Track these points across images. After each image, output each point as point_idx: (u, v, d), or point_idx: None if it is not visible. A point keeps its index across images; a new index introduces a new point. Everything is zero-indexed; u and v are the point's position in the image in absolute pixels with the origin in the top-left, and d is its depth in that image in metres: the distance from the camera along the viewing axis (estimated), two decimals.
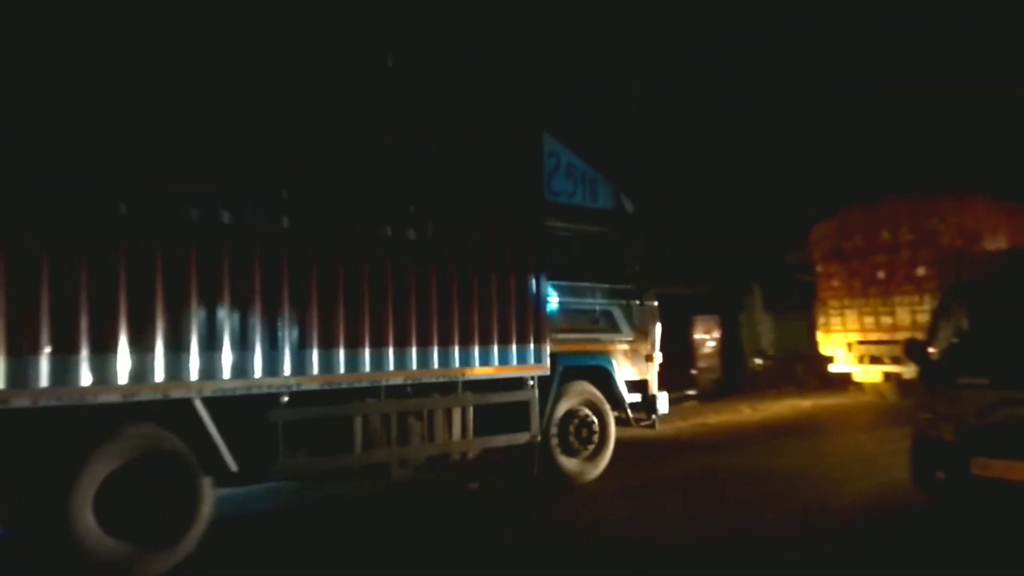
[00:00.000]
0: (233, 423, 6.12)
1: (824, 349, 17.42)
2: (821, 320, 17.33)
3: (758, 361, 22.17)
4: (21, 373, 5.15)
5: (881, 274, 16.11)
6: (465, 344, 7.64)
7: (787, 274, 20.49)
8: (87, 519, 5.50)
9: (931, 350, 7.20)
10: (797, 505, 8.00)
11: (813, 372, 19.21)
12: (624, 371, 9.42)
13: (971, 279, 7.46)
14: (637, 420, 9.62)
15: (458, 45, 15.46)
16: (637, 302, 9.65)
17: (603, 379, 9.19)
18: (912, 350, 7.29)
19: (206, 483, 6.10)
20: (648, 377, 9.74)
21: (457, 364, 7.59)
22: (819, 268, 17.80)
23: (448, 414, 7.63)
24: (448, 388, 7.61)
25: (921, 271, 15.15)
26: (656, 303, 10.02)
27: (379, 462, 7.24)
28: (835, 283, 17.20)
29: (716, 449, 11.71)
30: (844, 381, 17.53)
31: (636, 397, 9.52)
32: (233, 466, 6.10)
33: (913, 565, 6.08)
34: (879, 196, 16.50)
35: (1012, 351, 6.75)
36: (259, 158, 6.36)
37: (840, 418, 15.05)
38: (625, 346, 9.50)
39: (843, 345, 16.70)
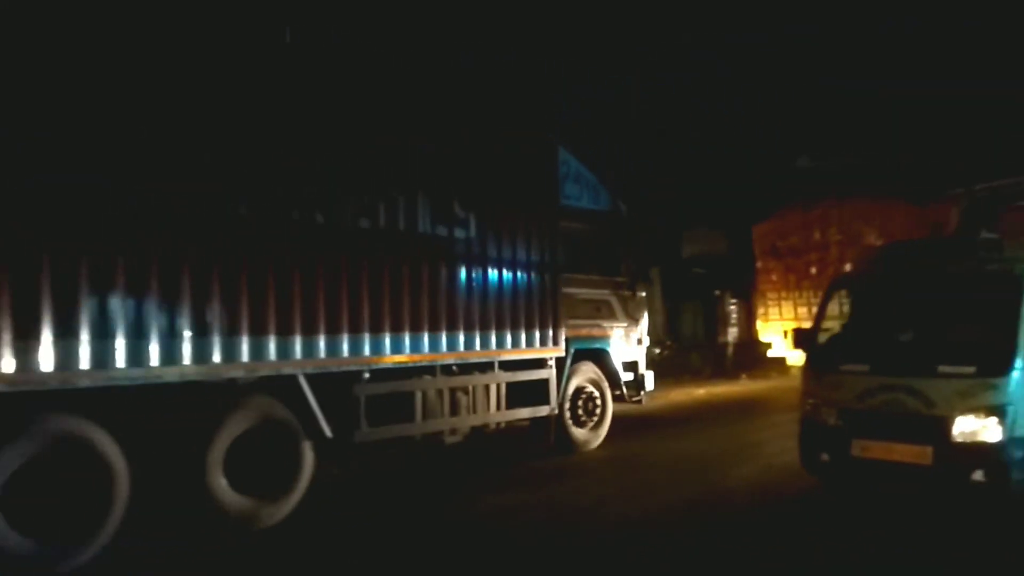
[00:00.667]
0: (327, 396, 7.16)
1: (763, 336, 19.44)
2: (760, 310, 19.38)
3: (656, 350, 22.72)
4: (169, 352, 6.09)
5: (814, 270, 18.03)
6: (500, 329, 8.85)
7: (684, 266, 21.50)
8: (220, 477, 6.50)
9: (818, 338, 7.51)
10: (689, 487, 8.42)
11: (708, 361, 20.35)
12: (619, 353, 10.65)
13: (851, 272, 7.78)
14: (629, 396, 10.78)
15: (463, 47, 15.88)
16: (630, 293, 10.90)
17: (603, 360, 10.44)
18: (798, 338, 7.59)
19: (307, 446, 7.14)
20: (638, 358, 10.97)
21: (494, 346, 8.79)
22: (759, 264, 19.79)
23: (487, 389, 8.83)
24: (486, 367, 8.82)
25: (848, 268, 16.19)
26: (644, 294, 11.34)
27: (435, 431, 8.43)
28: (773, 277, 19.25)
29: (614, 437, 11.97)
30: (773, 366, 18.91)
31: (629, 376, 10.78)
32: (328, 432, 7.15)
33: (790, 542, 6.41)
34: (814, 201, 18.02)
35: (890, 339, 7.09)
36: (353, 170, 7.48)
37: (738, 404, 15.52)
38: (621, 331, 10.70)
39: (780, 333, 17.98)
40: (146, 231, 6.00)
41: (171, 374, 6.09)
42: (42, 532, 5.56)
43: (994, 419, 6.16)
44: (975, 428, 6.22)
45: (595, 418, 10.25)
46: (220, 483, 6.49)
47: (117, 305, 5.81)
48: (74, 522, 5.74)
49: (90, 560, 5.84)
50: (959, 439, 6.26)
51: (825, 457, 6.99)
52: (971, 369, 6.35)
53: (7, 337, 5.29)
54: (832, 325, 7.82)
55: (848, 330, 7.62)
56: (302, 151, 7.00)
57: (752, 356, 19.97)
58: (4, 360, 5.29)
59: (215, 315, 6.34)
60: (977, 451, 6.21)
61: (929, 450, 6.34)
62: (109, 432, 5.84)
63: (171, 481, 6.41)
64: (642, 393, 10.98)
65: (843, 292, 7.99)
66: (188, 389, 6.25)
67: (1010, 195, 10.56)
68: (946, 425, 6.29)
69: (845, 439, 6.78)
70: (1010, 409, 6.15)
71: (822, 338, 7.53)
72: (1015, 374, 6.21)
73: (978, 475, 6.18)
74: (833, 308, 15.49)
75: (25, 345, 5.35)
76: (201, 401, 6.41)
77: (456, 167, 8.45)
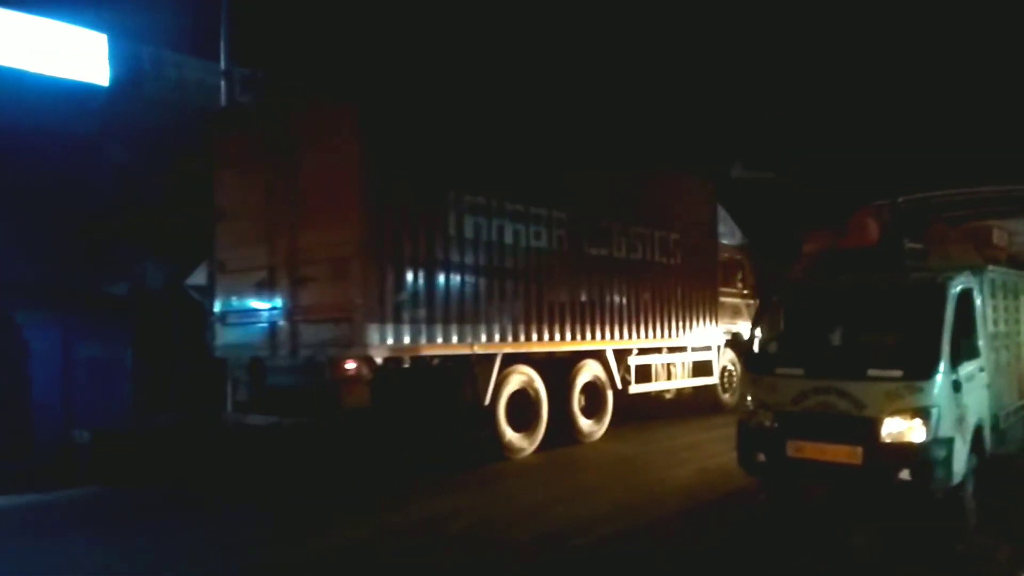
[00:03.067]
0: (616, 364, 12.11)
1: None
2: None
3: None
4: (560, 338, 11.12)
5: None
6: (688, 324, 13.60)
7: None
8: (577, 408, 11.62)
9: (755, 342, 7.75)
10: (627, 488, 8.77)
11: None
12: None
13: (785, 278, 8.04)
14: None
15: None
16: (750, 301, 15.16)
17: (733, 348, 14.69)
18: (737, 343, 7.81)
19: (609, 393, 12.09)
20: None
21: (686, 335, 13.57)
22: None
23: (683, 364, 13.67)
24: (683, 350, 13.61)
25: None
26: (754, 301, 14.99)
27: (662, 390, 13.43)
28: None
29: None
30: None
31: None
32: (619, 385, 12.15)
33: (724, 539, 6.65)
34: None
35: (822, 343, 7.36)
36: (630, 221, 12.58)
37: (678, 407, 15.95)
38: (745, 326, 14.29)
39: None
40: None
41: (561, 349, 11.10)
42: (519, 428, 10.48)
43: (919, 420, 6.44)
44: (902, 429, 6.49)
45: (732, 389, 14.63)
46: (576, 409, 11.53)
47: (549, 314, 10.83)
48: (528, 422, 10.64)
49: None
50: (887, 440, 6.51)
51: (762, 457, 7.19)
52: (898, 372, 6.62)
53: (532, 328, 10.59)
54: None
55: (783, 335, 7.87)
56: (604, 207, 11.95)
57: None
58: (512, 338, 10.30)
59: (579, 318, 11.27)
60: (904, 451, 6.48)
61: (859, 450, 6.59)
62: (541, 377, 10.76)
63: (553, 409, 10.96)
64: None
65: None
66: (566, 355, 11.33)
67: (935, 207, 10.96)
68: (875, 426, 6.54)
69: (780, 440, 6.99)
70: (934, 411, 6.44)
71: (758, 343, 7.76)
72: (939, 377, 6.52)
73: (904, 474, 6.45)
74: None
75: (524, 331, 10.46)
76: (570, 361, 11.39)
77: (673, 213, 13.37)
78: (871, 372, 6.72)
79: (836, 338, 7.39)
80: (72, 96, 12.26)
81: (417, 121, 9.32)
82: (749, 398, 7.37)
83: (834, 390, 6.78)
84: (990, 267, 7.93)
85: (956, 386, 6.63)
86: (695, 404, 14.26)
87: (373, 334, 8.62)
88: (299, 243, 9.17)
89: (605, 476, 9.54)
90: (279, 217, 9.35)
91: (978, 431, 7.07)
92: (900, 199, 10.61)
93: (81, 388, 10.63)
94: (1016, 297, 8.77)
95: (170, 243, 12.51)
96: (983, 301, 7.54)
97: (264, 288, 9.51)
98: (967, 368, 6.87)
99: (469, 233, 9.73)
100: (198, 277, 11.57)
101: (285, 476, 9.63)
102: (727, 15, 21.19)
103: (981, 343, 7.34)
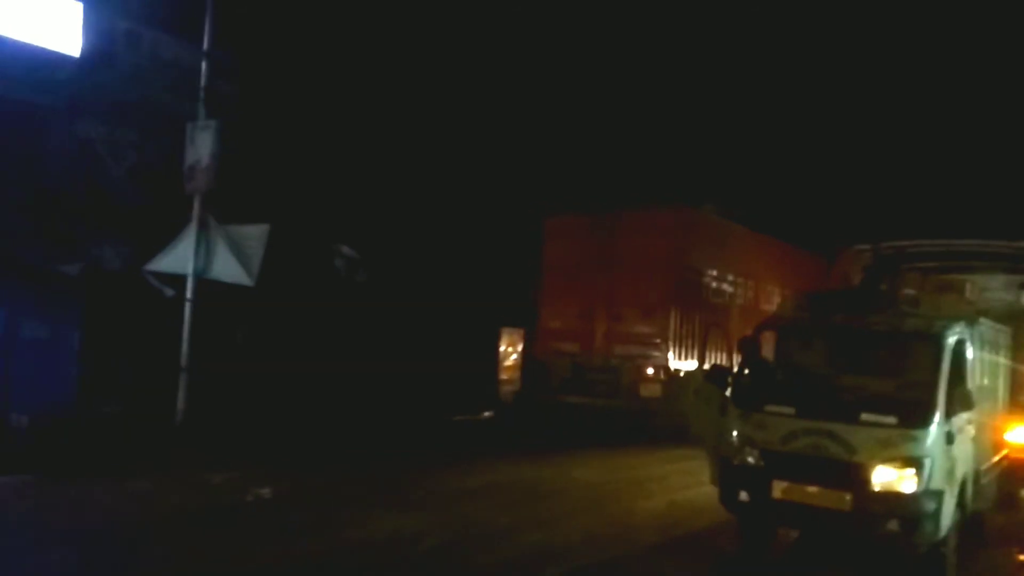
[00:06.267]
0: None
1: None
2: None
3: None
4: None
5: None
6: None
7: None
8: None
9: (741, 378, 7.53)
10: (598, 518, 8.58)
11: None
12: None
13: (778, 316, 7.87)
14: None
15: None
16: None
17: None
18: (712, 375, 7.62)
19: None
20: None
21: None
22: None
23: None
24: None
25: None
26: None
27: None
28: None
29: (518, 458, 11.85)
30: None
31: None
32: None
33: None
34: None
35: (815, 384, 7.19)
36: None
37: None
38: None
39: None
40: None
41: None
42: None
43: (912, 470, 6.29)
44: (894, 478, 6.33)
45: None
46: None
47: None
48: None
49: None
50: (877, 488, 6.35)
51: (744, 496, 6.97)
52: (893, 419, 6.47)
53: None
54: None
55: (773, 372, 7.68)
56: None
57: None
58: None
59: None
60: (894, 501, 6.32)
61: (848, 496, 6.41)
62: None
63: None
64: None
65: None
66: None
67: (909, 256, 10.98)
68: (866, 473, 6.37)
69: (766, 479, 6.77)
70: (927, 461, 6.29)
71: (744, 378, 7.54)
72: (933, 427, 6.38)
73: (893, 524, 6.29)
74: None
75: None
76: None
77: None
78: (864, 417, 6.55)
79: (830, 379, 7.24)
80: (40, 64, 11.62)
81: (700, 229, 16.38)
82: (735, 434, 7.13)
83: (825, 432, 6.59)
84: (981, 319, 7.88)
85: (949, 437, 6.51)
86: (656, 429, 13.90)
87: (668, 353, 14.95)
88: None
89: (572, 504, 9.23)
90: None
91: (963, 485, 6.96)
92: (882, 244, 10.62)
93: (24, 369, 9.98)
94: (996, 351, 8.76)
95: (132, 225, 11.95)
96: (973, 353, 7.47)
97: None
98: (960, 419, 6.76)
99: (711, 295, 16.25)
100: (161, 263, 11.05)
101: None
102: (701, 52, 21.38)
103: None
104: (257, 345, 13.21)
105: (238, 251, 11.75)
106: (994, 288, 11.29)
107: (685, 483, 10.45)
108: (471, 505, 8.71)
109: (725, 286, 16.75)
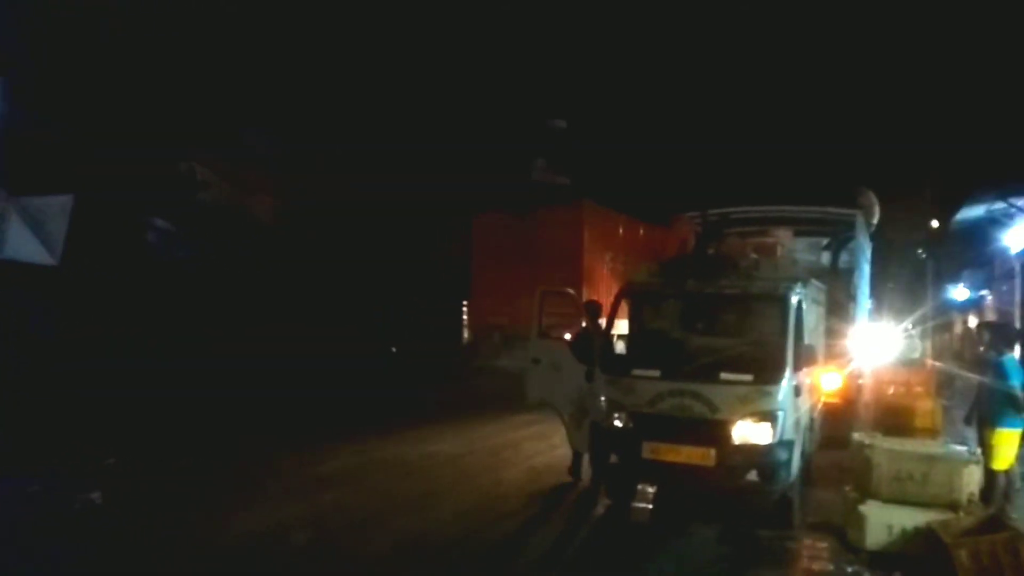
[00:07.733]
0: None
1: None
2: None
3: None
4: None
5: None
6: None
7: None
8: None
9: (613, 343, 7.72)
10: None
11: None
12: None
13: (635, 283, 8.06)
14: None
15: None
16: None
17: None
18: (579, 346, 7.78)
19: None
20: None
21: None
22: None
23: None
24: None
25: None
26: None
27: None
28: None
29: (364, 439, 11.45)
30: None
31: None
32: None
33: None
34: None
35: (677, 347, 7.49)
36: None
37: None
38: None
39: None
40: None
41: None
42: None
43: (767, 424, 6.71)
44: (752, 432, 6.73)
45: None
46: None
47: None
48: None
49: None
50: (738, 442, 6.73)
51: (614, 459, 7.16)
52: (749, 377, 6.86)
53: None
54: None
55: (636, 338, 7.91)
56: None
57: None
58: None
59: None
60: (753, 453, 6.72)
61: (712, 452, 6.74)
62: None
63: None
64: None
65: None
66: None
67: (732, 222, 11.69)
68: (727, 429, 6.74)
69: (636, 441, 6.99)
70: (780, 414, 6.74)
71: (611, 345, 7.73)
72: (784, 383, 6.84)
73: (752, 475, 6.71)
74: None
75: None
76: None
77: None
78: (724, 376, 6.90)
79: (685, 341, 7.55)
80: None
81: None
82: (603, 399, 7.30)
83: (689, 393, 6.88)
84: (812, 279, 8.52)
85: (797, 391, 7.01)
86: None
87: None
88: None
89: (438, 481, 9.03)
90: None
91: (805, 433, 7.54)
92: (707, 212, 11.23)
93: None
94: (818, 307, 9.55)
95: None
96: (808, 310, 8.07)
97: None
98: (802, 373, 7.29)
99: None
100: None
101: None
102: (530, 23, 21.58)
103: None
104: (67, 332, 11.86)
105: (36, 226, 10.46)
106: (800, 250, 12.43)
107: (537, 449, 10.66)
108: (336, 492, 8.31)
109: (618, 265, 18.13)
